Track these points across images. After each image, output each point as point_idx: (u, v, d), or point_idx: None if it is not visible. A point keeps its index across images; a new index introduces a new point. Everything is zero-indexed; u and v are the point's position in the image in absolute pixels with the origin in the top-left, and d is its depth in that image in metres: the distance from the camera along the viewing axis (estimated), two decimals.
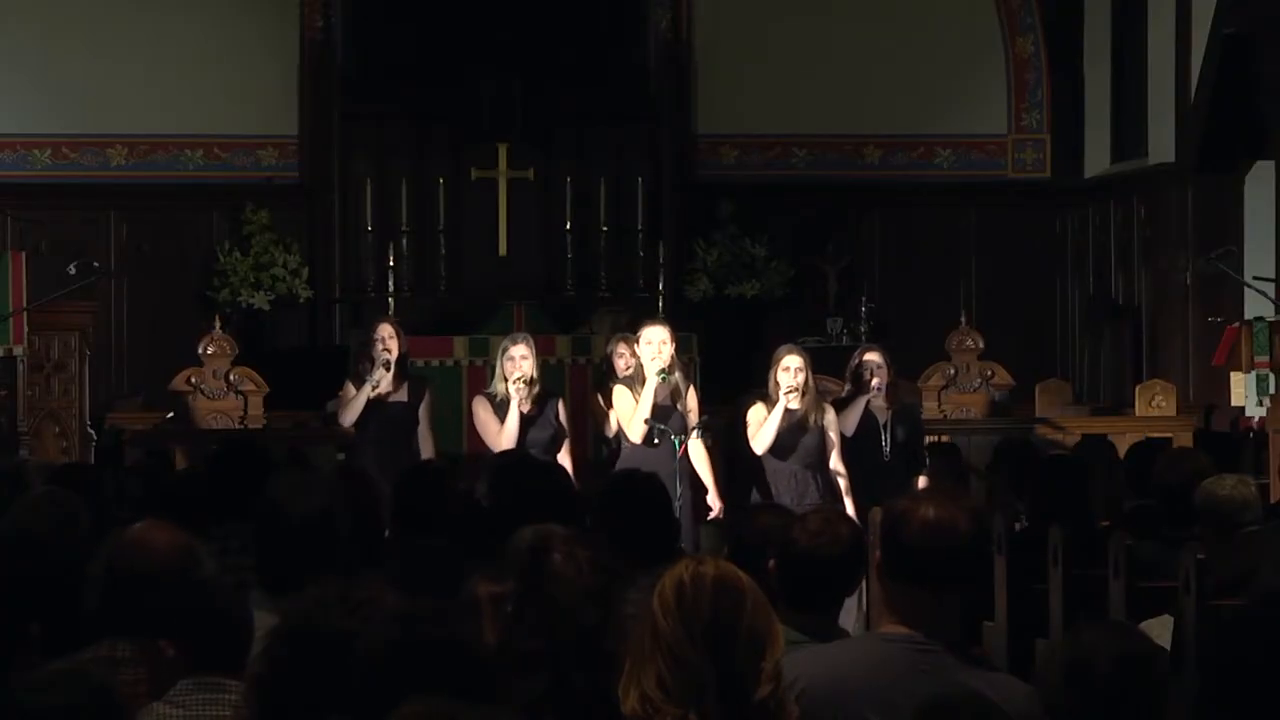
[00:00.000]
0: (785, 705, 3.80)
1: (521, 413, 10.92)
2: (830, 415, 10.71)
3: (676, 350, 10.80)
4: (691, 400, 10.81)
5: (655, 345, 10.61)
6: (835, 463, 10.61)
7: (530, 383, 10.91)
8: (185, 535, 5.03)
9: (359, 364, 11.63)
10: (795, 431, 10.55)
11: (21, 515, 6.05)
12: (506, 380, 10.91)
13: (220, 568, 5.20)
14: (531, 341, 11.17)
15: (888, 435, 10.75)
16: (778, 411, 10.48)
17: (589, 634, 4.26)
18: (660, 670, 3.70)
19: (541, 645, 4.22)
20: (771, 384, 10.56)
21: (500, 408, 10.96)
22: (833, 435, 10.66)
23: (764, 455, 10.50)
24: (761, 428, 10.51)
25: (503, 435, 10.90)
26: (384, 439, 11.19)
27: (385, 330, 11.62)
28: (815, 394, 10.70)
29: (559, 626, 4.27)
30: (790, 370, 10.52)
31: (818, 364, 15.24)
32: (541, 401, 11.06)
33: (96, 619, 4.82)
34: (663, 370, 10.52)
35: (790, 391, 10.45)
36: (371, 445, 11.19)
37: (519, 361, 10.96)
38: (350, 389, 11.55)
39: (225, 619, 4.35)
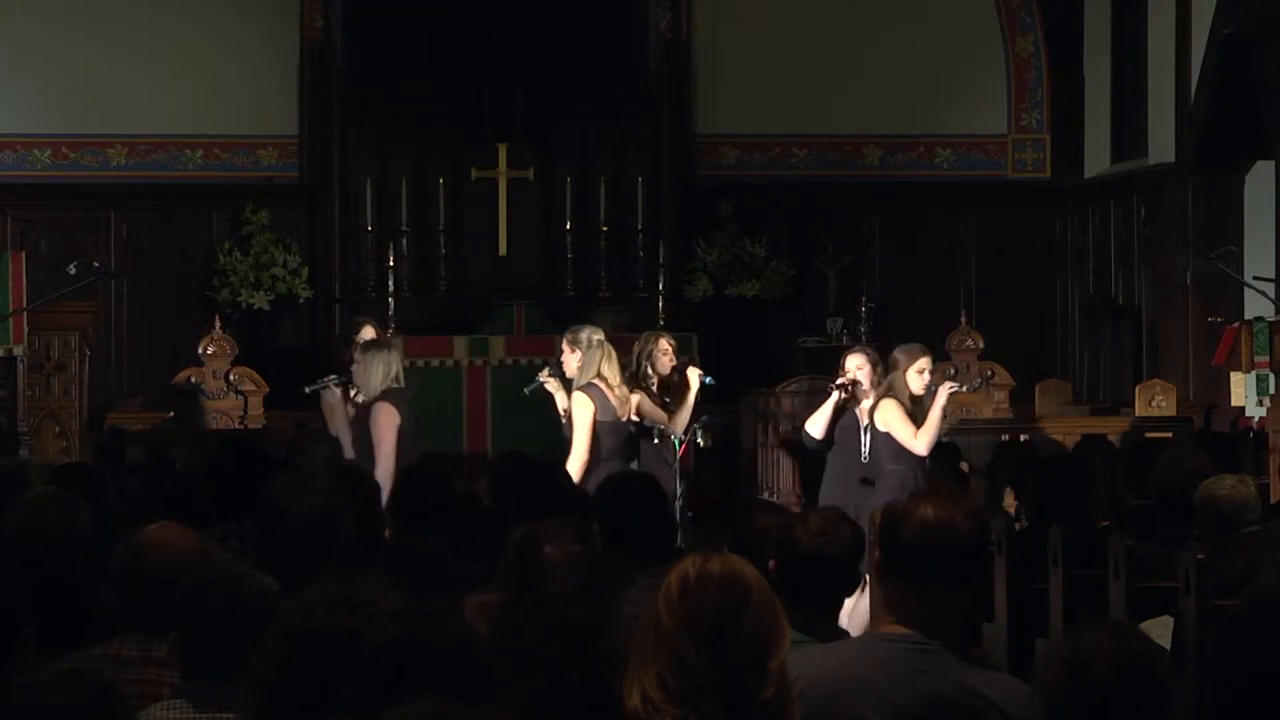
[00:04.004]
0: (789, 706, 3.75)
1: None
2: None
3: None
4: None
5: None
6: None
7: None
8: (199, 537, 5.05)
9: (346, 368, 11.51)
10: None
11: (22, 515, 6.05)
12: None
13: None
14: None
15: (867, 437, 10.73)
16: (937, 409, 10.61)
17: (583, 631, 4.24)
18: (661, 669, 3.65)
19: (537, 645, 4.20)
20: (900, 384, 10.67)
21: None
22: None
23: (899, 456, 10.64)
24: (926, 426, 10.59)
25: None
26: (365, 441, 11.10)
27: (368, 332, 11.58)
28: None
29: (553, 623, 4.24)
30: (925, 371, 10.68)
31: (817, 364, 15.31)
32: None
33: (115, 618, 4.84)
34: (537, 383, 10.70)
35: (953, 389, 10.69)
36: (354, 449, 11.09)
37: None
38: (335, 394, 11.40)
39: (249, 619, 4.33)
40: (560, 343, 10.94)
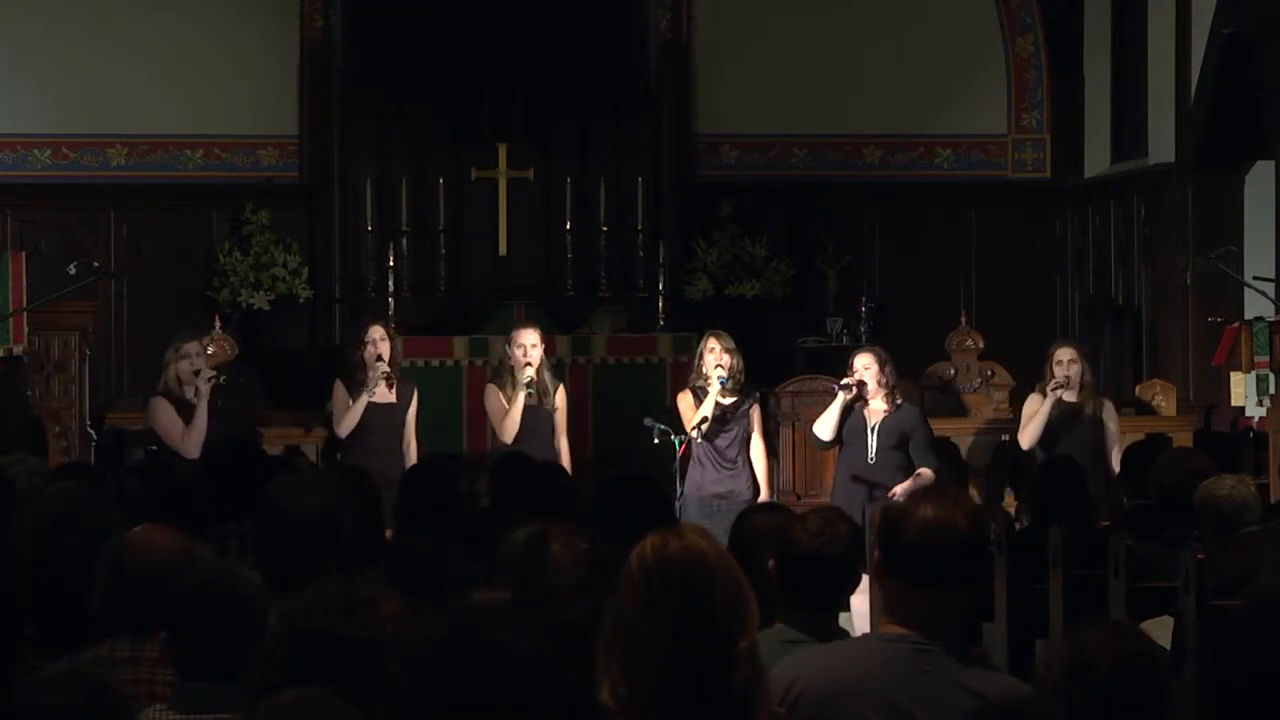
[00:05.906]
0: (762, 689, 3.64)
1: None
2: (1109, 409, 11.08)
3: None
4: (560, 400, 11.49)
5: (525, 349, 11.19)
6: (1112, 458, 10.91)
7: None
8: (185, 538, 5.04)
9: (354, 368, 11.54)
10: (1069, 423, 10.89)
11: (23, 514, 6.04)
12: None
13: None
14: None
15: (874, 438, 10.73)
16: (1046, 406, 10.80)
17: (577, 630, 4.20)
18: (625, 658, 3.55)
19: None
20: (1048, 377, 11.01)
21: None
22: (1112, 428, 10.99)
23: (1033, 448, 10.83)
24: (1029, 422, 10.88)
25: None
26: (374, 442, 11.15)
27: (377, 333, 11.59)
28: (1091, 387, 11.10)
29: (551, 622, 4.19)
30: (1063, 363, 10.89)
31: (817, 364, 15.30)
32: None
33: (100, 620, 4.83)
34: (530, 381, 11.12)
35: (1058, 387, 10.87)
36: (360, 448, 11.14)
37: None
38: (340, 390, 11.47)
39: (240, 619, 4.32)
40: (536, 337, 11.73)
